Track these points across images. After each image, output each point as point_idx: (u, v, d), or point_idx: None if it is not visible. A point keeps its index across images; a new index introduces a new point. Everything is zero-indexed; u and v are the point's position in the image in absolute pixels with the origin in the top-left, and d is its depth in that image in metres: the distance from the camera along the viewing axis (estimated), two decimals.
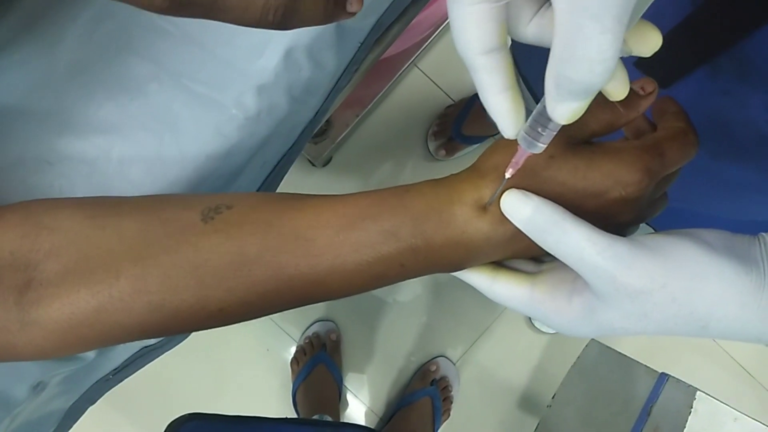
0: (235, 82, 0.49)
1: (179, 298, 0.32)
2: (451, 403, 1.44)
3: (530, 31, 0.27)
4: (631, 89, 0.32)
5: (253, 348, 1.48)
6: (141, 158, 0.47)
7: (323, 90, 0.55)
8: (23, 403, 0.45)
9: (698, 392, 0.75)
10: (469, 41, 0.25)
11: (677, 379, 0.81)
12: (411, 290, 1.50)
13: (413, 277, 0.33)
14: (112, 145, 0.47)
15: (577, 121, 0.25)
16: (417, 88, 1.51)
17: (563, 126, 0.26)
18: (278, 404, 1.47)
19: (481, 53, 0.26)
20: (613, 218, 0.32)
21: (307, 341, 1.44)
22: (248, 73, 0.49)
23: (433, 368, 1.44)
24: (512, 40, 0.29)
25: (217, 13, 0.30)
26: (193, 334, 0.37)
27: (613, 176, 0.31)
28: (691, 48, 0.44)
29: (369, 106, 1.38)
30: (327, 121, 1.33)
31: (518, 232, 0.31)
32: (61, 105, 0.46)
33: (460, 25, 0.25)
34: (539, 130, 0.27)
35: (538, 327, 1.51)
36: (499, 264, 0.35)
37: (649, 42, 0.27)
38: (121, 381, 0.54)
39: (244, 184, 0.53)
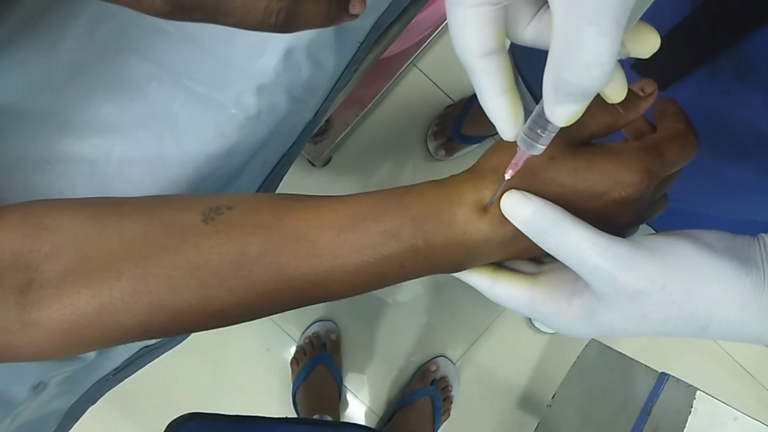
0: (235, 81, 0.49)
1: (180, 299, 0.32)
2: (451, 403, 1.45)
3: (528, 34, 0.27)
4: (630, 90, 0.32)
5: (253, 348, 1.48)
6: (141, 158, 0.47)
7: (323, 90, 0.55)
8: (24, 403, 0.45)
9: (698, 392, 0.75)
10: (467, 44, 0.25)
11: (677, 378, 0.81)
12: (411, 290, 1.50)
13: (414, 278, 0.34)
14: (113, 145, 0.47)
15: (576, 123, 0.25)
16: (416, 88, 1.52)
17: (563, 127, 0.26)
18: (278, 404, 1.47)
19: (480, 56, 0.26)
20: (613, 219, 0.32)
21: (307, 341, 1.44)
22: (248, 73, 0.49)
23: (433, 368, 1.44)
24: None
25: (219, 17, 0.30)
26: (194, 334, 0.37)
27: (613, 177, 0.31)
28: (690, 49, 0.44)
29: (369, 106, 1.38)
30: (327, 121, 1.33)
31: (518, 233, 0.31)
32: (61, 105, 0.46)
33: (459, 28, 0.25)
34: (538, 131, 0.27)
35: (538, 327, 1.51)
36: (500, 265, 0.35)
37: (648, 44, 0.27)
38: (122, 381, 0.54)
39: (244, 183, 0.53)
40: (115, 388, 0.54)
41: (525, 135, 0.28)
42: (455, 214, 0.32)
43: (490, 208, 0.31)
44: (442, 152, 1.47)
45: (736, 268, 0.28)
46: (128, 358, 0.52)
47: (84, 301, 0.31)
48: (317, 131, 1.29)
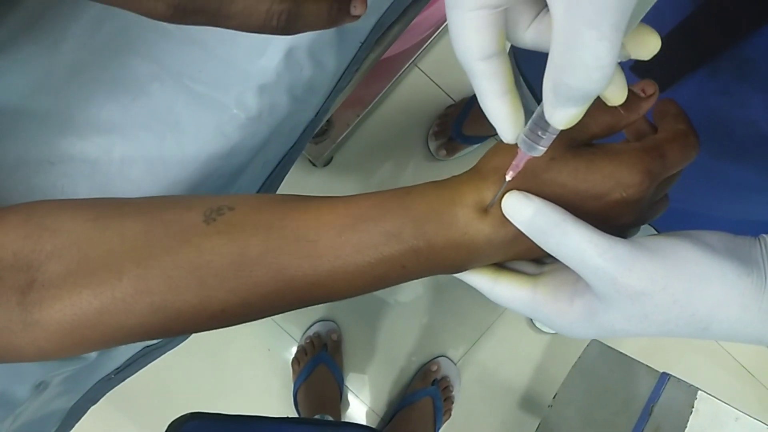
0: (237, 81, 0.49)
1: (181, 299, 0.32)
2: (452, 403, 1.45)
3: (529, 37, 0.27)
4: (631, 91, 0.32)
5: (254, 348, 1.48)
6: (142, 158, 0.47)
7: (324, 90, 0.55)
8: (25, 403, 0.45)
9: (699, 392, 0.74)
10: (468, 47, 0.25)
11: (678, 378, 0.81)
12: (412, 290, 1.50)
13: (415, 279, 0.34)
14: (114, 145, 0.47)
15: (577, 124, 0.25)
16: (417, 88, 1.52)
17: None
18: (279, 404, 1.47)
19: (480, 59, 0.26)
20: (614, 220, 0.32)
21: (308, 341, 1.44)
22: (249, 73, 0.49)
23: (434, 368, 1.44)
24: None
25: (221, 20, 0.30)
26: (195, 334, 0.37)
27: (613, 178, 0.31)
28: (690, 49, 0.44)
29: (370, 106, 1.38)
30: (328, 121, 1.33)
31: (519, 234, 0.31)
32: (62, 105, 0.46)
33: (459, 31, 0.25)
34: (539, 133, 0.27)
35: (539, 327, 1.51)
36: (501, 266, 0.35)
37: (648, 46, 0.27)
38: (123, 380, 0.54)
39: (245, 183, 0.53)
40: (116, 388, 0.54)
41: (526, 137, 0.28)
42: (456, 214, 0.32)
43: (492, 209, 0.31)
44: (443, 152, 1.47)
45: (737, 268, 0.28)
46: (129, 358, 0.52)
47: (85, 301, 0.31)
48: (318, 131, 1.29)
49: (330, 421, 1.33)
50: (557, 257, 0.30)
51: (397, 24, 0.61)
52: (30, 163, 0.45)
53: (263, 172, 0.56)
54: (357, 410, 1.48)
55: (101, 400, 0.53)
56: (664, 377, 0.83)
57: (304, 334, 1.47)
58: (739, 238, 0.30)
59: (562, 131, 0.27)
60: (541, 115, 0.26)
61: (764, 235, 0.30)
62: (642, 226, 0.36)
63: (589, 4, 0.20)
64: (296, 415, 1.42)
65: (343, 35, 0.52)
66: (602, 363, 1.12)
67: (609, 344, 1.14)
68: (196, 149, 0.48)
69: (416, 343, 1.49)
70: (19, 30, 0.46)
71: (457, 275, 0.35)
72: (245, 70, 0.49)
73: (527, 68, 0.79)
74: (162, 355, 0.56)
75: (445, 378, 1.44)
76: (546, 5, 0.23)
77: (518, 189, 0.31)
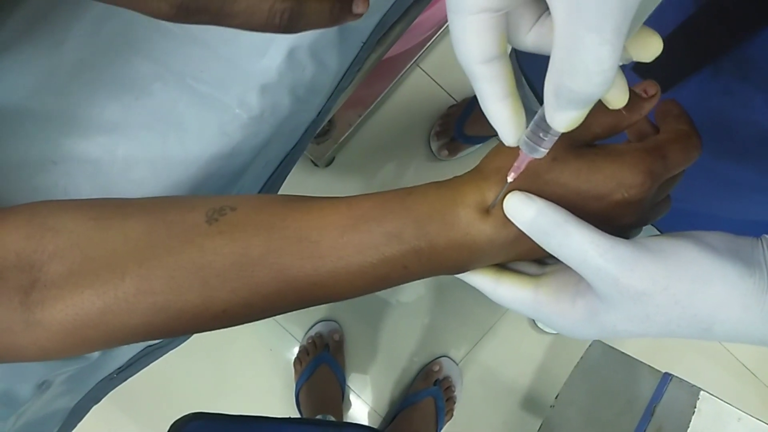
0: (239, 81, 0.49)
1: (183, 299, 0.32)
2: (454, 403, 1.44)
3: (530, 40, 0.27)
4: (633, 92, 0.32)
5: (256, 348, 1.49)
6: (145, 158, 0.47)
7: (326, 89, 0.55)
8: (28, 402, 0.45)
9: (702, 392, 0.74)
10: (469, 50, 0.25)
11: (680, 379, 0.81)
12: (414, 291, 1.50)
13: (417, 279, 0.34)
14: (117, 144, 0.47)
15: (579, 125, 0.25)
16: (419, 88, 1.51)
17: None
18: (281, 404, 1.47)
19: (481, 62, 0.26)
20: (615, 221, 0.32)
21: (310, 341, 1.44)
22: (251, 73, 0.49)
23: (436, 368, 1.44)
24: None
25: (223, 19, 0.30)
26: (197, 334, 0.37)
27: (615, 178, 0.31)
28: (692, 49, 0.44)
29: (371, 107, 1.38)
30: (330, 121, 1.33)
31: (521, 235, 0.31)
32: (65, 105, 0.46)
33: (460, 35, 0.25)
34: (541, 135, 0.27)
35: (541, 327, 1.51)
36: (503, 266, 0.35)
37: (650, 48, 0.26)
38: (125, 380, 0.54)
39: (247, 183, 0.54)
40: (118, 387, 0.54)
41: (527, 138, 0.28)
42: (458, 215, 0.32)
43: (493, 210, 0.31)
44: (445, 152, 1.47)
45: (739, 269, 0.28)
46: (132, 357, 0.52)
47: (88, 301, 0.32)
48: (320, 131, 1.29)
49: (332, 421, 1.33)
50: (559, 258, 0.30)
51: (399, 24, 0.61)
52: (32, 163, 0.45)
53: (265, 172, 0.56)
54: (359, 410, 1.48)
55: (103, 399, 0.54)
56: (667, 377, 0.83)
57: (306, 334, 1.47)
58: (741, 239, 0.30)
59: (564, 132, 0.27)
60: (543, 117, 0.26)
61: (766, 236, 0.30)
62: (644, 227, 0.36)
63: (591, 8, 0.20)
64: (298, 416, 1.42)
65: (345, 35, 0.52)
66: (604, 363, 1.12)
67: (611, 344, 1.14)
68: (199, 149, 0.48)
69: (418, 343, 1.49)
70: (22, 30, 0.46)
71: (459, 276, 0.35)
72: (247, 70, 0.49)
73: (529, 68, 0.79)
74: (164, 354, 0.57)
75: (447, 378, 1.44)
76: (547, 8, 0.23)
77: (520, 189, 0.31)
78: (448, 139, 1.47)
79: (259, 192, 0.56)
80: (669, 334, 0.30)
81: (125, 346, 0.51)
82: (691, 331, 0.29)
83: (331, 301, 0.34)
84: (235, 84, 0.49)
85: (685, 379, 0.80)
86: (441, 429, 1.41)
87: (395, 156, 1.51)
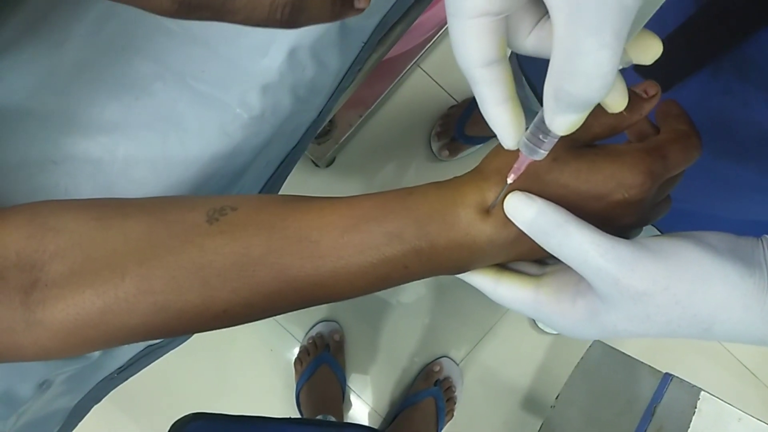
0: (240, 81, 0.49)
1: (184, 299, 0.32)
2: (455, 403, 1.44)
3: (529, 44, 0.27)
4: (634, 92, 0.32)
5: (256, 348, 1.49)
6: (145, 157, 0.47)
7: (327, 89, 0.55)
8: (29, 401, 0.45)
9: (702, 392, 0.74)
10: (468, 54, 0.25)
11: (681, 379, 0.81)
12: (414, 291, 1.50)
13: (417, 279, 0.34)
14: (117, 144, 0.47)
15: (579, 125, 0.25)
16: (420, 88, 1.51)
17: None
18: (282, 404, 1.47)
19: (481, 66, 0.26)
20: (615, 221, 0.32)
21: (310, 341, 1.44)
22: (252, 73, 0.49)
23: (437, 369, 1.44)
24: None
25: (225, 14, 0.30)
26: (198, 334, 0.37)
27: (615, 179, 0.31)
28: (692, 49, 0.44)
29: (372, 107, 1.38)
30: (330, 121, 1.33)
31: (521, 235, 0.31)
32: (66, 104, 0.46)
33: (460, 38, 0.25)
34: (540, 137, 0.27)
35: (542, 328, 1.51)
36: (503, 266, 0.35)
37: (650, 51, 0.27)
38: (126, 379, 0.54)
39: (247, 183, 0.54)
40: (119, 387, 0.54)
41: (527, 140, 0.28)
42: (458, 215, 0.32)
43: (494, 210, 0.31)
44: (446, 153, 1.47)
45: (740, 269, 0.28)
46: (132, 357, 0.52)
47: (88, 301, 0.32)
48: (321, 132, 1.29)
49: (332, 421, 1.33)
50: (559, 258, 0.30)
51: (399, 24, 0.61)
52: (33, 163, 0.45)
53: (266, 172, 0.56)
54: (359, 411, 1.48)
55: (104, 399, 0.54)
56: (667, 378, 0.83)
57: (306, 334, 1.47)
58: (742, 239, 0.30)
59: None
60: (543, 120, 0.26)
61: (766, 236, 0.30)
62: (644, 227, 0.36)
63: (591, 12, 0.20)
64: (299, 416, 1.42)
65: (345, 35, 0.52)
66: (605, 363, 1.11)
67: (612, 345, 1.13)
68: (199, 149, 0.48)
69: (418, 344, 1.49)
70: (23, 30, 0.46)
71: (459, 276, 0.35)
72: (248, 70, 0.49)
73: (530, 69, 0.79)
74: (164, 354, 0.57)
75: (447, 378, 1.44)
76: (547, 12, 0.23)
77: (520, 189, 0.31)
78: (449, 139, 1.47)
79: (260, 192, 0.56)
80: (669, 334, 0.30)
81: (126, 345, 0.51)
82: (691, 331, 0.29)
83: (331, 301, 0.34)
84: (235, 84, 0.49)
85: (686, 379, 0.80)
86: (441, 429, 1.41)
87: (396, 156, 1.51)
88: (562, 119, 0.24)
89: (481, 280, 0.35)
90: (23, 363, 0.44)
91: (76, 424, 0.53)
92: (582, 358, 1.19)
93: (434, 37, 1.40)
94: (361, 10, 0.33)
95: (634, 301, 0.29)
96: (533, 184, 0.31)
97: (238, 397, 1.48)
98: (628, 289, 0.28)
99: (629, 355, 1.01)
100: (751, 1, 0.38)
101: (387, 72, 1.40)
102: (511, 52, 0.28)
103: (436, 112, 1.51)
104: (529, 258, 0.34)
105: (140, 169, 0.47)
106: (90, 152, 0.46)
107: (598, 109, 0.31)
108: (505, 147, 0.29)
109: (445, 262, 0.33)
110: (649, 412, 0.80)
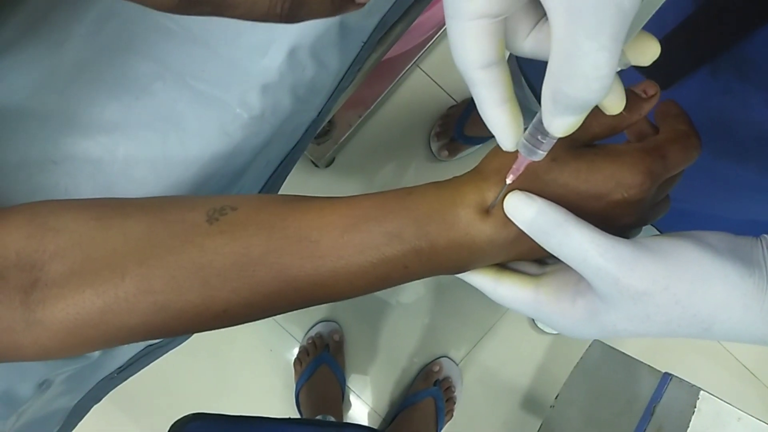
0: (240, 81, 0.49)
1: (184, 299, 0.32)
2: (454, 403, 1.44)
3: (528, 46, 0.27)
4: (633, 92, 0.32)
5: (256, 348, 1.49)
6: (146, 157, 0.47)
7: (327, 89, 0.56)
8: (29, 401, 0.45)
9: (702, 392, 0.74)
10: (467, 56, 0.25)
11: (680, 378, 0.81)
12: (414, 291, 1.50)
13: (417, 279, 0.34)
14: (117, 144, 0.47)
15: (579, 126, 0.25)
16: (419, 88, 1.51)
17: None
18: (281, 405, 1.47)
19: (480, 67, 0.26)
20: (615, 220, 0.32)
21: (310, 342, 1.44)
22: (252, 73, 0.49)
23: (436, 369, 1.44)
24: None
25: (225, 9, 0.30)
26: (197, 334, 0.37)
27: (615, 178, 0.31)
28: (691, 48, 0.44)
29: (372, 107, 1.38)
30: (330, 121, 1.33)
31: (521, 234, 0.31)
32: (66, 104, 0.46)
33: (459, 40, 0.25)
34: (539, 138, 0.27)
35: (541, 327, 1.51)
36: (503, 266, 0.35)
37: (648, 53, 0.27)
38: (126, 379, 0.54)
39: (247, 183, 0.54)
40: (118, 388, 0.54)
41: (526, 141, 0.28)
42: (458, 215, 0.32)
43: (493, 210, 0.31)
44: (445, 153, 1.47)
45: (739, 269, 0.28)
46: (132, 357, 0.52)
47: (88, 300, 0.32)
48: (320, 132, 1.29)
49: (332, 421, 1.33)
50: (559, 257, 0.30)
51: (399, 24, 0.61)
52: (33, 163, 0.45)
53: (265, 172, 0.56)
54: (359, 411, 1.48)
55: (103, 399, 0.54)
56: (667, 377, 0.83)
57: (306, 334, 1.47)
58: (741, 239, 0.30)
59: None
60: (541, 121, 0.26)
61: (765, 236, 0.30)
62: (644, 227, 0.36)
63: (589, 15, 0.20)
64: (298, 416, 1.42)
65: (345, 35, 0.52)
66: (604, 363, 1.11)
67: (611, 344, 1.13)
68: (199, 148, 0.48)
69: (418, 344, 1.49)
70: (23, 30, 0.46)
71: (459, 276, 0.35)
72: (248, 70, 0.49)
73: (529, 69, 0.79)
74: (164, 354, 0.57)
75: (447, 378, 1.44)
76: (545, 14, 0.23)
77: (520, 189, 0.31)
78: (448, 139, 1.47)
79: (260, 192, 0.56)
80: (669, 333, 0.30)
81: (125, 345, 0.51)
82: (691, 330, 0.29)
83: (331, 301, 0.34)
84: (235, 84, 0.49)
85: (685, 379, 0.80)
86: (441, 429, 1.41)
87: (395, 156, 1.51)
88: (560, 121, 0.24)
89: (481, 279, 0.35)
90: (23, 363, 0.44)
91: (76, 424, 0.53)
92: (581, 358, 1.19)
93: (434, 37, 1.40)
94: (362, 4, 0.33)
95: (633, 301, 0.29)
96: (533, 184, 0.31)
97: (238, 398, 1.48)
98: (628, 289, 0.28)
99: (629, 355, 1.01)
100: (750, 1, 0.38)
101: (386, 72, 1.40)
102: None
103: (436, 113, 1.51)
104: (529, 258, 0.34)
105: (140, 168, 0.47)
106: (90, 152, 0.46)
107: (598, 110, 0.31)
108: (504, 148, 0.29)
109: (445, 262, 0.33)
110: (649, 412, 0.80)
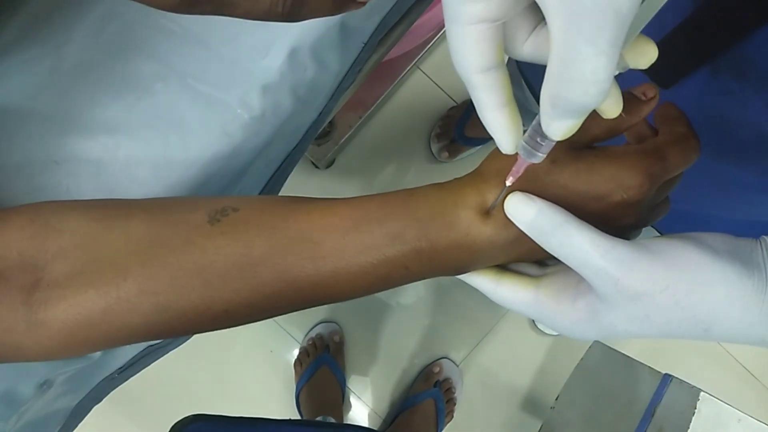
0: (240, 81, 0.49)
1: (185, 299, 0.32)
2: (455, 404, 1.44)
3: (527, 50, 0.27)
4: (632, 94, 0.33)
5: (256, 349, 1.49)
6: (147, 158, 0.47)
7: (327, 90, 0.56)
8: (30, 401, 0.45)
9: (702, 393, 0.74)
10: (466, 60, 0.25)
11: (681, 380, 0.81)
12: (414, 292, 1.50)
13: (418, 280, 0.34)
14: (119, 144, 0.47)
15: (579, 127, 0.25)
16: (420, 90, 1.52)
17: None
18: (281, 406, 1.47)
19: (479, 71, 0.26)
20: (615, 222, 0.32)
21: (310, 343, 1.44)
22: (253, 73, 0.49)
23: (437, 370, 1.44)
24: None
25: (226, 8, 0.30)
26: (198, 335, 0.37)
27: (614, 180, 0.31)
28: (691, 49, 0.44)
29: (372, 108, 1.38)
30: (330, 122, 1.33)
31: (522, 235, 0.31)
32: (67, 105, 0.46)
33: (458, 44, 0.25)
34: (538, 140, 0.28)
35: (542, 329, 1.51)
36: (504, 267, 0.35)
37: (646, 56, 0.27)
38: (127, 380, 0.54)
39: (248, 183, 0.54)
40: (119, 389, 0.54)
41: (525, 143, 0.28)
42: (459, 216, 0.32)
43: (494, 211, 0.32)
44: (446, 154, 1.47)
45: (739, 270, 0.28)
46: (133, 357, 0.52)
47: (90, 301, 0.32)
48: (321, 133, 1.29)
49: (332, 423, 1.33)
50: (559, 258, 0.30)
51: (399, 25, 0.61)
52: (35, 163, 0.45)
53: (266, 173, 0.56)
54: (359, 412, 1.48)
55: (104, 400, 0.54)
56: (667, 379, 0.83)
57: (306, 335, 1.47)
58: (740, 240, 0.30)
59: None
60: (540, 123, 0.26)
61: (765, 237, 0.30)
62: (644, 228, 0.37)
63: (588, 20, 0.20)
64: (298, 417, 1.42)
65: (346, 35, 0.53)
66: (605, 364, 1.11)
67: (611, 346, 1.13)
68: (200, 149, 0.49)
69: (418, 345, 1.49)
70: (24, 31, 0.46)
71: (459, 277, 0.35)
72: (249, 70, 0.49)
73: (529, 71, 0.79)
74: (165, 354, 0.57)
75: (447, 380, 1.44)
76: (544, 19, 0.23)
77: (520, 190, 0.31)
78: (449, 140, 1.47)
79: (260, 192, 0.56)
80: (669, 334, 0.30)
81: (127, 345, 0.51)
82: (690, 331, 0.29)
83: (332, 302, 0.34)
84: (236, 84, 0.49)
85: (686, 380, 0.80)
86: (441, 430, 1.41)
87: (395, 158, 1.51)
88: (559, 125, 0.24)
89: (482, 280, 0.35)
90: (24, 363, 0.44)
91: (77, 425, 0.53)
92: (582, 359, 1.19)
93: (434, 38, 1.40)
94: (363, 3, 0.33)
95: (633, 302, 0.29)
96: (533, 186, 0.31)
97: (238, 399, 1.48)
98: (628, 290, 0.29)
99: (629, 356, 1.01)
100: (749, 1, 0.38)
101: (387, 73, 1.40)
102: None
103: (436, 114, 1.51)
104: (529, 259, 0.34)
105: (141, 169, 0.47)
106: (92, 152, 0.46)
107: (597, 112, 0.31)
108: (503, 151, 0.29)
109: (446, 263, 0.33)
110: (649, 413, 0.80)
